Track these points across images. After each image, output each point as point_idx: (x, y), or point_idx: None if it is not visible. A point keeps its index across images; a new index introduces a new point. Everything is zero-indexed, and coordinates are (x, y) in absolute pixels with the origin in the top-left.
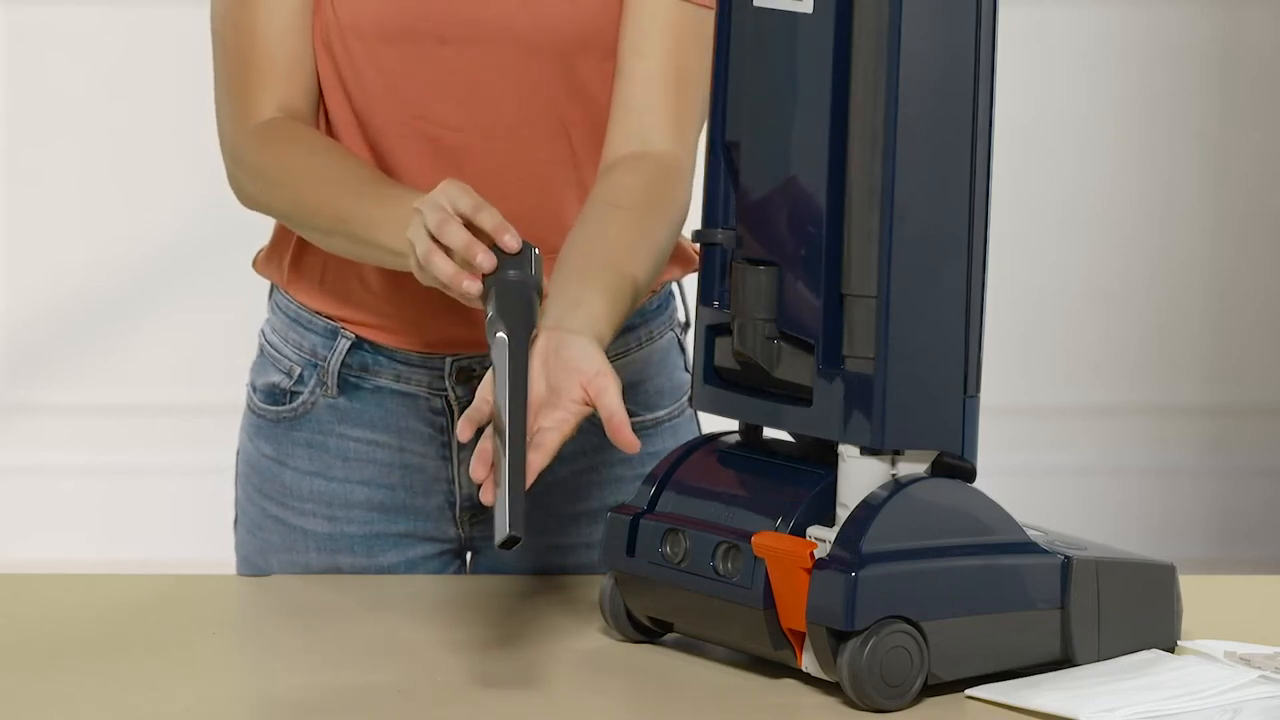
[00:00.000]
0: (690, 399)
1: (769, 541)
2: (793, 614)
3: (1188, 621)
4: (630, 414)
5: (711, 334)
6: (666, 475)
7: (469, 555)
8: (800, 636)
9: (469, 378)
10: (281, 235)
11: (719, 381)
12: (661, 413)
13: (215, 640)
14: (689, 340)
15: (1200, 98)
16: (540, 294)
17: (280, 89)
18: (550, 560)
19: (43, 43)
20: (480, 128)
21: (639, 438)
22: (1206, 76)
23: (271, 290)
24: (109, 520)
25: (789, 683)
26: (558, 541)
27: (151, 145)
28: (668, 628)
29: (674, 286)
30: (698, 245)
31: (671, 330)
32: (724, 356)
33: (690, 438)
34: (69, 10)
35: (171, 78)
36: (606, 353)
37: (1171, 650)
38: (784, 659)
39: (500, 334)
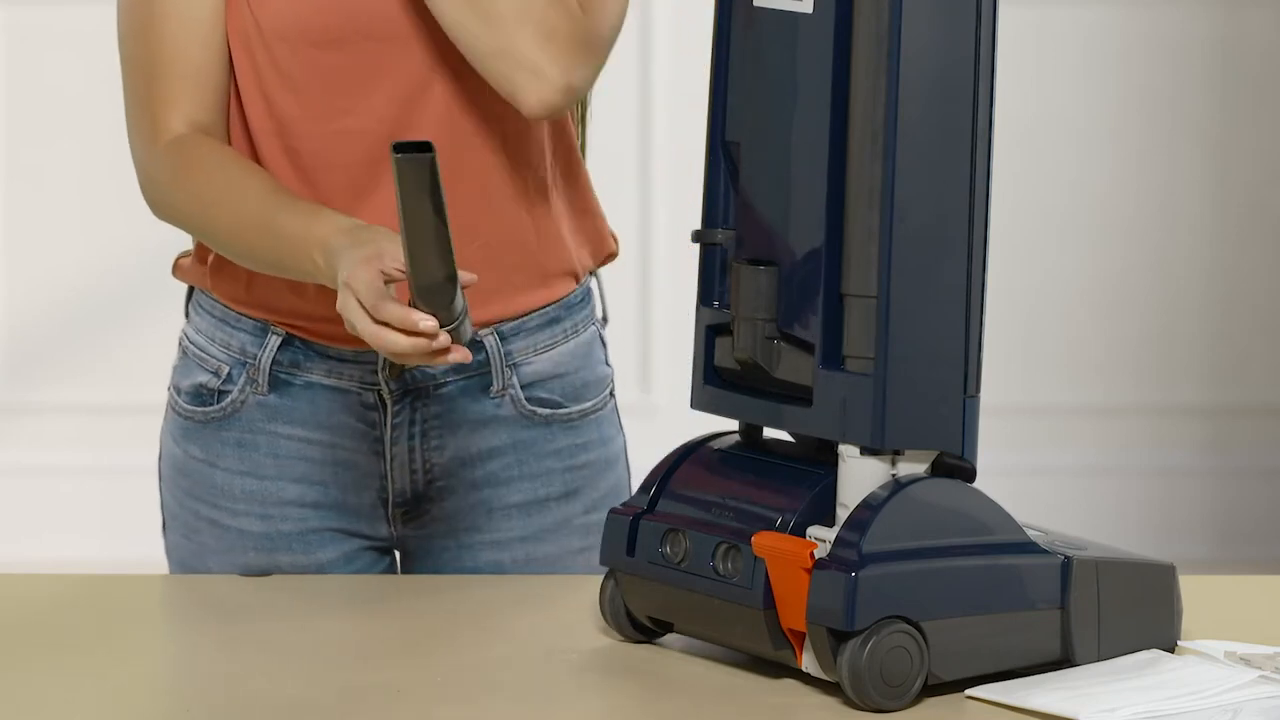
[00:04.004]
0: (690, 399)
1: (769, 541)
2: (793, 614)
3: (1188, 621)
4: (556, 405)
5: (711, 334)
6: (666, 475)
7: (398, 555)
8: (800, 636)
9: (401, 371)
10: None
11: (719, 381)
12: (586, 405)
13: (215, 640)
14: (608, 334)
15: (1200, 98)
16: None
17: (188, 103)
18: (489, 556)
19: (42, 43)
20: (411, 121)
21: (566, 430)
22: (1206, 76)
23: (191, 293)
24: (109, 520)
25: (789, 683)
26: (495, 537)
27: None
28: (668, 628)
29: (592, 282)
30: (694, 243)
31: (593, 324)
32: (724, 356)
33: (612, 428)
34: (69, 10)
35: None
36: (534, 347)
37: (1171, 650)
38: (784, 659)
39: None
